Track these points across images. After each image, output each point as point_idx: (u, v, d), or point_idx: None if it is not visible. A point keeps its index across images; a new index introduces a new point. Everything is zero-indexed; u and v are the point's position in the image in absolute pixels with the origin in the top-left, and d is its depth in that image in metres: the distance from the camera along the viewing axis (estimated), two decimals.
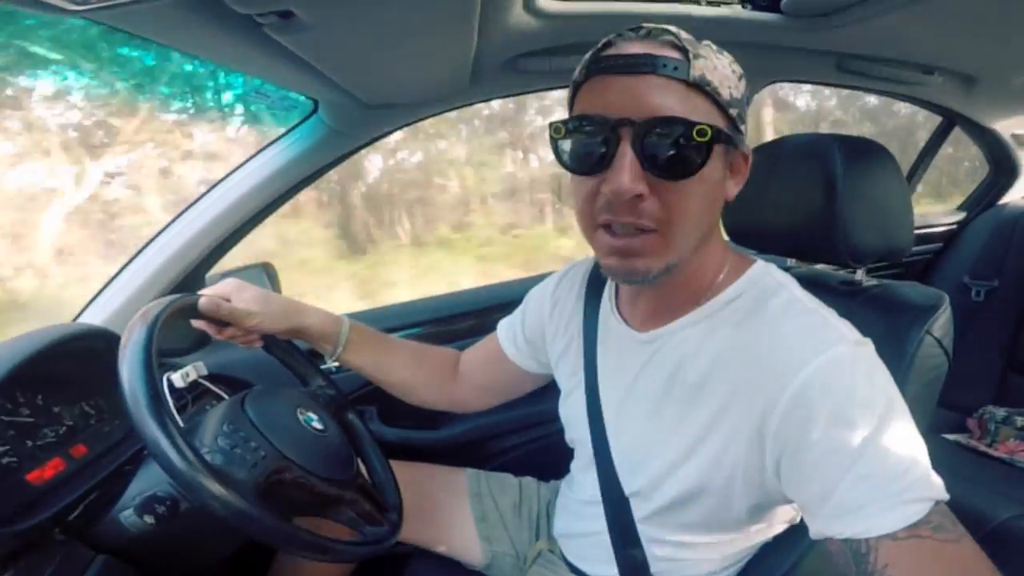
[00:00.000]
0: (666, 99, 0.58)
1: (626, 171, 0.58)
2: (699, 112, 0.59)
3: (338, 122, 1.19)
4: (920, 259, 2.05)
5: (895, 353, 0.79)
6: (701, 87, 0.59)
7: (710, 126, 0.57)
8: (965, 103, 1.72)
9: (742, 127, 0.65)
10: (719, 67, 0.60)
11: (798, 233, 0.89)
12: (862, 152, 0.85)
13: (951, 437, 1.68)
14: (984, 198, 2.07)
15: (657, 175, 0.59)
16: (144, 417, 0.60)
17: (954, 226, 2.04)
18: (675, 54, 0.59)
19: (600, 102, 0.61)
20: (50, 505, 0.71)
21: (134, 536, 0.68)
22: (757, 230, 0.95)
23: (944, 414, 1.77)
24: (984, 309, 1.84)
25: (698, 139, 0.57)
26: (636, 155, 0.59)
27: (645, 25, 0.62)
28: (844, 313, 0.66)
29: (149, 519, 0.66)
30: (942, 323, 0.82)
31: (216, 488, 0.60)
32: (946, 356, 0.82)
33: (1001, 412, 1.66)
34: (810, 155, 0.87)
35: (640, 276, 0.65)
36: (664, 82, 0.58)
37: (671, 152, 0.58)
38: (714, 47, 0.63)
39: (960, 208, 2.12)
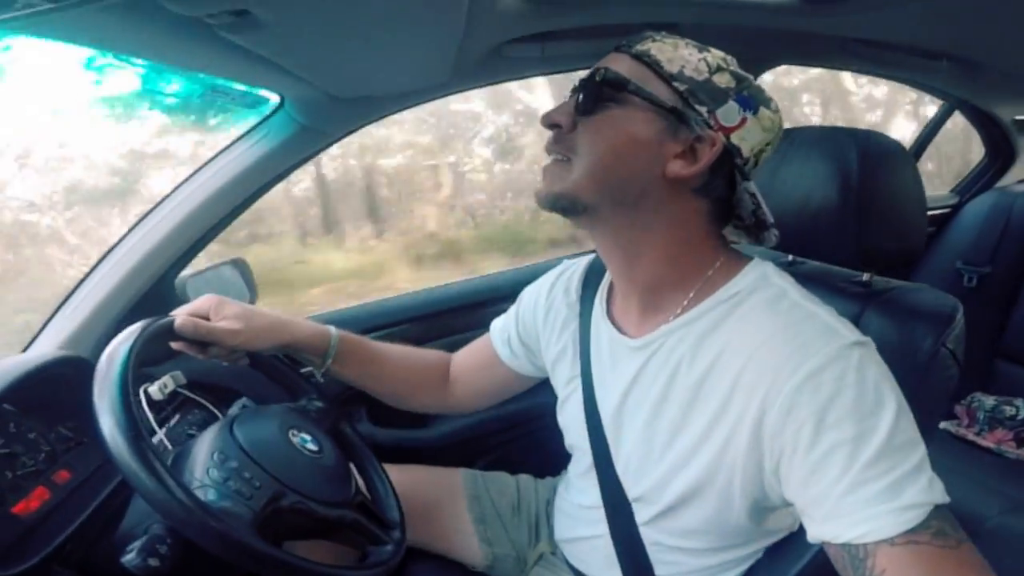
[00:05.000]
0: (614, 64, 0.68)
1: (561, 105, 0.71)
2: (634, 77, 0.66)
3: (307, 117, 1.10)
4: None
5: (907, 362, 0.77)
6: (641, 58, 0.67)
7: (617, 73, 0.66)
8: (969, 89, 1.69)
9: (700, 108, 0.65)
10: (678, 51, 0.67)
11: (806, 230, 0.86)
12: (880, 149, 0.81)
13: (940, 425, 1.70)
14: (978, 182, 2.06)
15: (577, 111, 0.69)
16: (128, 461, 0.58)
17: (947, 210, 2.02)
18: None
19: None
20: (43, 539, 0.68)
21: None
22: None
23: None
24: (975, 295, 1.82)
25: (598, 79, 0.67)
26: (574, 97, 0.69)
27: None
28: (854, 316, 0.64)
29: (154, 562, 0.62)
30: (958, 334, 0.80)
31: (213, 526, 0.57)
32: (958, 366, 0.81)
33: (990, 400, 1.68)
34: (825, 150, 0.84)
35: (539, 198, 0.72)
36: (619, 55, 0.69)
37: (585, 91, 0.68)
38: (691, 46, 0.68)
39: (954, 191, 2.10)
